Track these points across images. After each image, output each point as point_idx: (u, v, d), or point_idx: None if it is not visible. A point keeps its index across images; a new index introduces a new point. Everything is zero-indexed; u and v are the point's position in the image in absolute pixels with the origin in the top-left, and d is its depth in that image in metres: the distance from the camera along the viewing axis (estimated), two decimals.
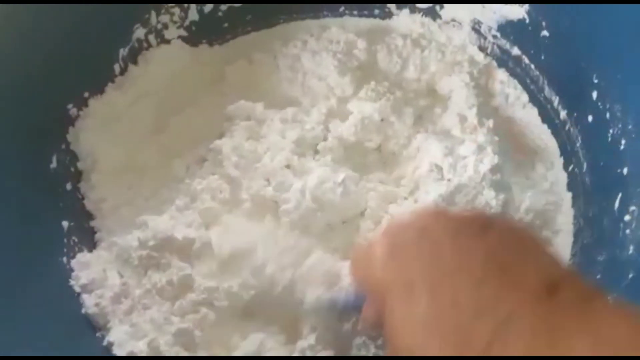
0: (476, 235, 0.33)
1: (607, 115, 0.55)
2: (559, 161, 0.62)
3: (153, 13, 0.64)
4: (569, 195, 0.59)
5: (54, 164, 0.56)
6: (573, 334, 0.28)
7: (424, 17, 0.69)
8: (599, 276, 0.51)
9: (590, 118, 0.58)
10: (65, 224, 0.54)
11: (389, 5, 0.70)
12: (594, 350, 0.27)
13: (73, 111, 0.58)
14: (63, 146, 0.57)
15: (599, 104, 0.57)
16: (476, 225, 0.34)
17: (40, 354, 0.44)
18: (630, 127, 0.54)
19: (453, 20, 0.68)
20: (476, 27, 0.68)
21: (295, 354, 0.47)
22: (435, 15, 0.69)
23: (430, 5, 0.69)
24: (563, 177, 0.61)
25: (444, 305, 0.31)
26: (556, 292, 0.30)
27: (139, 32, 0.64)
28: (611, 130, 0.55)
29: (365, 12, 0.70)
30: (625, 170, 0.53)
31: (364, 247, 0.38)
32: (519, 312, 0.29)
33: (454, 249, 0.33)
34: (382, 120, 0.61)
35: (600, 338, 0.28)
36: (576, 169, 0.60)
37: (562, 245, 0.56)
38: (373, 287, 0.36)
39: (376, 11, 0.70)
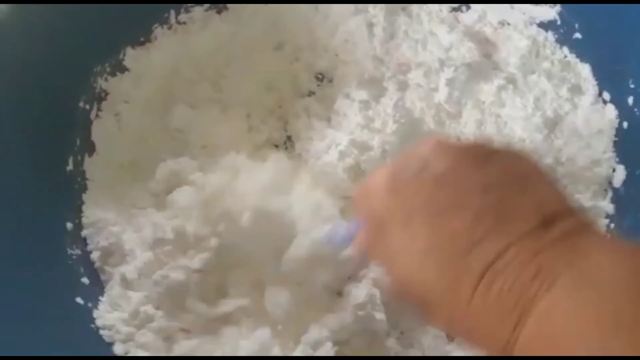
0: (476, 166, 0.33)
1: None
2: None
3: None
4: (603, 204, 0.57)
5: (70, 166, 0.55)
6: (559, 269, 0.29)
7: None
8: None
9: (625, 124, 0.55)
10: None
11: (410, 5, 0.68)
12: (575, 286, 0.28)
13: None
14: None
15: (635, 109, 0.54)
16: (478, 156, 0.34)
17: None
18: None
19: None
20: None
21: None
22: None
23: (456, 5, 0.66)
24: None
25: (440, 239, 0.31)
26: (551, 226, 0.30)
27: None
28: None
29: None
30: None
31: (367, 180, 0.38)
32: (512, 247, 0.30)
33: (453, 182, 0.33)
34: None
35: (582, 273, 0.28)
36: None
37: None
38: (373, 219, 0.36)
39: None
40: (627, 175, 0.54)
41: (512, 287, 0.29)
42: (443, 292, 0.31)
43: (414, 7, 0.67)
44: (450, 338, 0.52)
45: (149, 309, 0.49)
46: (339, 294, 0.51)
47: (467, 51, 0.63)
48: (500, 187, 0.32)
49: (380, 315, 0.48)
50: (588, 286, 0.28)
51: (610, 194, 0.55)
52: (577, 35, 0.60)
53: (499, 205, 0.31)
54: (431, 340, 0.51)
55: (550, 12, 0.62)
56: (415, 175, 0.34)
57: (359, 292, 0.49)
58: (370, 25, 0.66)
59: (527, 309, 0.28)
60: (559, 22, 0.61)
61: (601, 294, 0.27)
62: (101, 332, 0.48)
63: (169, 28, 0.64)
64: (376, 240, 0.35)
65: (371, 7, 0.66)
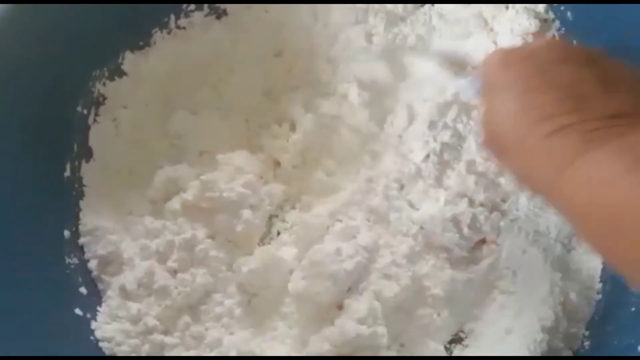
0: (576, 65, 0.41)
1: None
2: None
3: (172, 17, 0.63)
4: None
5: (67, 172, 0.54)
6: (611, 140, 0.36)
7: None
8: (633, 309, 0.49)
9: None
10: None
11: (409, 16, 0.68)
12: (618, 148, 0.36)
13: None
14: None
15: None
16: (581, 58, 0.42)
17: None
18: None
19: None
20: None
21: None
22: None
23: None
24: None
25: (529, 106, 0.40)
26: (617, 119, 0.38)
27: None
28: None
29: None
30: None
31: (489, 54, 0.46)
32: (580, 123, 0.38)
33: (551, 70, 0.41)
34: None
35: (627, 144, 0.36)
36: None
37: (589, 271, 0.55)
38: (487, 83, 0.45)
39: None
40: None
41: (567, 143, 0.38)
42: (518, 138, 0.40)
43: (413, 18, 0.67)
44: (450, 351, 0.52)
45: (149, 320, 0.48)
46: (339, 307, 0.51)
47: None
48: (588, 84, 0.40)
49: (382, 330, 0.48)
50: (629, 150, 0.35)
51: None
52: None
53: (581, 96, 0.39)
54: (430, 353, 0.51)
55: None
56: (525, 58, 0.43)
57: (360, 305, 0.49)
58: (370, 36, 0.66)
59: (575, 157, 0.37)
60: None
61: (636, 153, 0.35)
62: (101, 344, 0.47)
63: (169, 33, 0.63)
64: (486, 98, 0.45)
65: (371, 18, 0.66)
